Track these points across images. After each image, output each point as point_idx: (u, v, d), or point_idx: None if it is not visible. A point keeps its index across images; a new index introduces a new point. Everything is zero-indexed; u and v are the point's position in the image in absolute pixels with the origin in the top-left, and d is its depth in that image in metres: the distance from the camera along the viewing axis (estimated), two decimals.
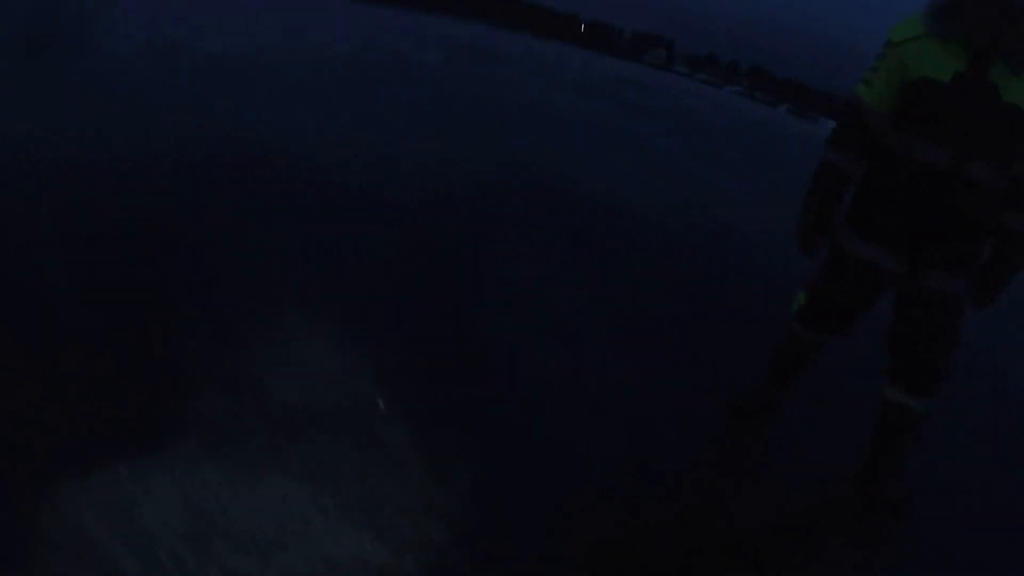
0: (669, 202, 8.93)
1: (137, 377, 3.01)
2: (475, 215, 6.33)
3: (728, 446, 3.81)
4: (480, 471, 2.88)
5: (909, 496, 3.31)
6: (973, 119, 2.80)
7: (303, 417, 2.98)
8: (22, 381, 2.82)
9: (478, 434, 3.12)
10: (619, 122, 15.52)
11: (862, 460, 3.50)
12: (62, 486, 2.40)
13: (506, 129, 10.88)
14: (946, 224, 2.92)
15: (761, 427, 3.80)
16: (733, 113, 34.48)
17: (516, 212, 6.70)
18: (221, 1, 18.84)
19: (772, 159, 19.57)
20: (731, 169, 13.92)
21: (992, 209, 2.95)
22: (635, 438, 3.47)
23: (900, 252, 3.03)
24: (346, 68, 13.41)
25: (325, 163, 6.61)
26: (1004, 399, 5.61)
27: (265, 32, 16.08)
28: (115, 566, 2.17)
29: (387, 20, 29.29)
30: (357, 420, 3.03)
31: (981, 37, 2.74)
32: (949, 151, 2.81)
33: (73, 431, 2.65)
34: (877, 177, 3.06)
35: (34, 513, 2.25)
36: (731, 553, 2.91)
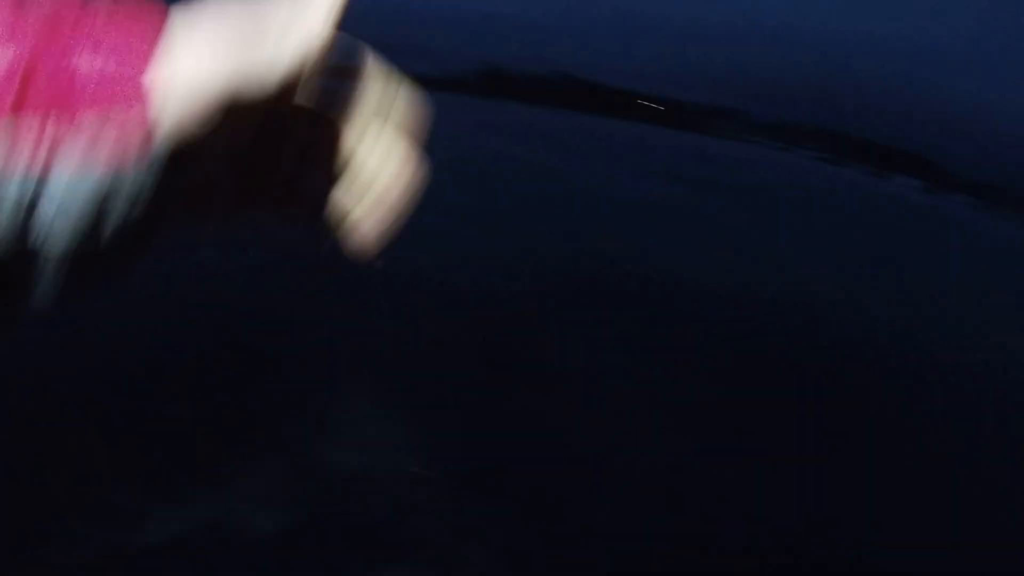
0: (735, 278, 8.99)
1: (205, 438, 3.44)
2: (534, 302, 6.60)
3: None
4: (506, 542, 3.13)
5: None
6: None
7: (350, 482, 3.33)
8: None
9: (509, 507, 3.36)
10: (686, 199, 15.53)
11: None
12: (134, 530, 2.87)
13: (570, 214, 11.18)
14: None
15: None
16: (805, 178, 34.12)
17: (575, 297, 6.93)
18: None
19: (845, 222, 19.33)
20: (801, 237, 13.85)
21: None
22: (670, 519, 3.63)
23: None
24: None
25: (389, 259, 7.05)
26: None
27: None
28: None
29: (445, 106, 30.32)
30: (392, 486, 3.35)
31: None
32: None
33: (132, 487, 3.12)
34: None
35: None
36: None
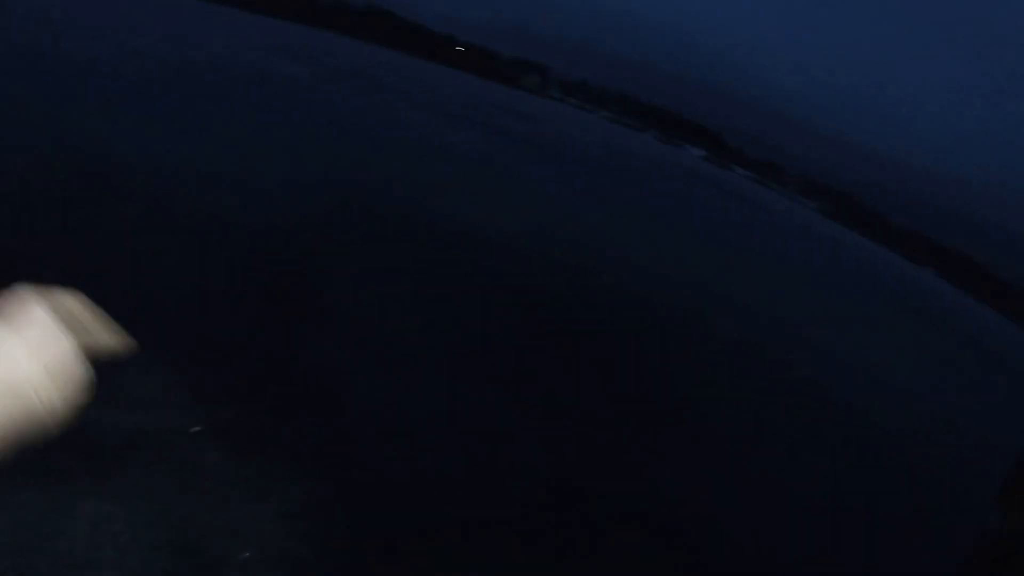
0: (523, 228, 9.19)
1: None
2: (320, 242, 6.31)
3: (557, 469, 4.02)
4: (294, 495, 2.97)
5: None
6: None
7: (121, 442, 3.00)
8: None
9: (296, 460, 3.19)
10: (484, 148, 15.76)
11: None
12: None
13: (366, 154, 10.89)
14: None
15: None
16: (600, 139, 35.49)
17: (363, 240, 6.72)
18: (97, 6, 18.07)
19: (632, 183, 20.27)
20: (590, 193, 14.39)
21: None
22: (454, 462, 3.62)
23: None
24: (211, 82, 13.10)
25: (169, 183, 6.45)
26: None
27: (136, 37, 15.52)
28: None
29: (263, 30, 28.64)
30: (174, 445, 3.07)
31: None
32: None
33: None
34: None
35: None
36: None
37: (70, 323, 0.83)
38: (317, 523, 2.85)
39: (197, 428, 3.13)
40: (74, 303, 0.85)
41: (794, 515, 4.45)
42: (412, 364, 4.51)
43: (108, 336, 0.86)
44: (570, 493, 3.72)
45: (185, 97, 10.65)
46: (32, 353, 0.75)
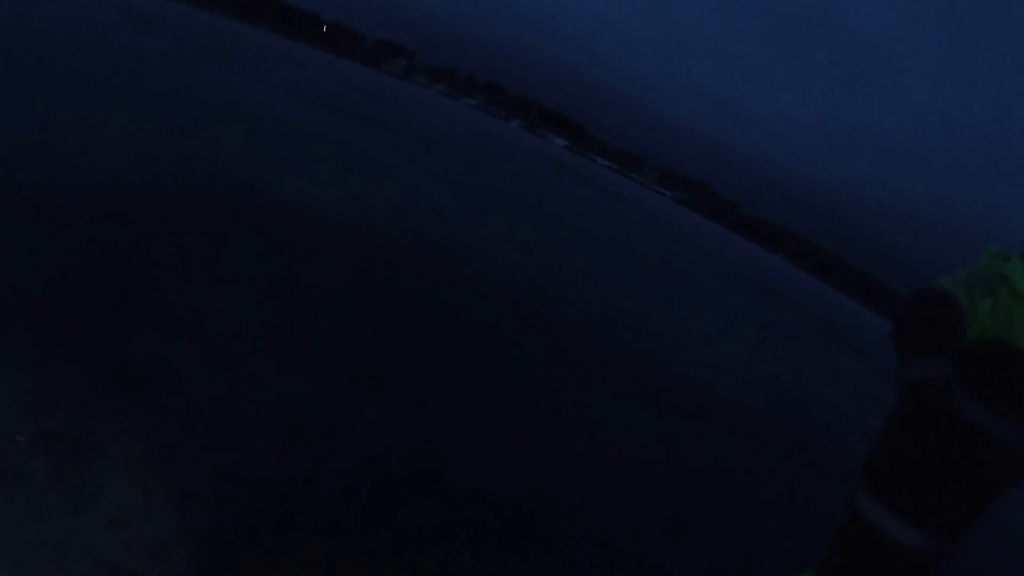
0: (376, 214, 9.08)
1: None
2: (153, 226, 5.98)
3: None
4: (125, 502, 2.86)
5: None
6: None
7: None
8: None
9: (126, 465, 3.07)
10: (342, 131, 15.45)
11: None
12: None
13: (214, 132, 10.46)
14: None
15: None
16: (463, 126, 35.52)
17: (202, 224, 6.42)
18: None
19: (493, 171, 20.42)
20: (449, 181, 14.40)
21: None
22: (293, 460, 3.55)
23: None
24: (46, 50, 12.24)
25: None
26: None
27: None
28: None
29: None
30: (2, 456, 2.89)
31: None
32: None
33: None
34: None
35: None
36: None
37: None
38: (150, 531, 2.76)
39: (22, 437, 2.95)
40: None
41: (645, 492, 4.63)
42: (249, 358, 4.38)
43: None
44: (411, 480, 3.74)
45: (12, 66, 9.92)
46: None
